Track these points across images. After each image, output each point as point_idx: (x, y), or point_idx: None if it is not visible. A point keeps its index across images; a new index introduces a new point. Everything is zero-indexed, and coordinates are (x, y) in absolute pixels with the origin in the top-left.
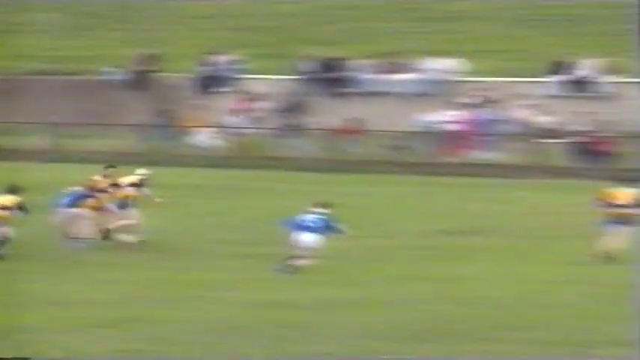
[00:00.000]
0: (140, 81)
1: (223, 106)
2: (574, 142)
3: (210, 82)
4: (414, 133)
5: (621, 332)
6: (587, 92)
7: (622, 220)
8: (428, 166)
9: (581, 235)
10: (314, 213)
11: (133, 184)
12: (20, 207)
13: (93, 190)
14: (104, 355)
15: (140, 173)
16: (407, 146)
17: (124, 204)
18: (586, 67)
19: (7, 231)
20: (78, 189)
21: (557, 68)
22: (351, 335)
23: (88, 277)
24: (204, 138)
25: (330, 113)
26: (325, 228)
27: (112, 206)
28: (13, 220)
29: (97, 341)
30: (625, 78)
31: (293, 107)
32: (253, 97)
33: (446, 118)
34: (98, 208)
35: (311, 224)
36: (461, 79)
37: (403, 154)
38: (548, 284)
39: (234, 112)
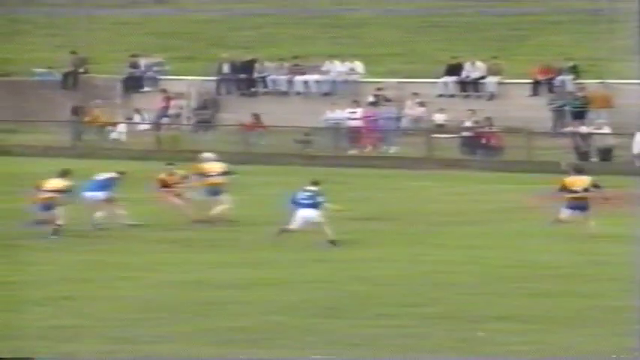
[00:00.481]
0: (69, 81)
1: (145, 104)
2: (464, 137)
3: (134, 83)
4: (319, 129)
5: (506, 308)
6: (475, 92)
7: (576, 205)
8: (332, 159)
9: (471, 221)
10: (308, 191)
11: (224, 173)
12: (68, 190)
13: (163, 185)
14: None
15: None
16: (312, 141)
17: (215, 191)
18: (474, 69)
19: (59, 212)
20: (105, 176)
21: (448, 70)
22: (264, 312)
23: (23, 260)
24: (126, 133)
25: (241, 111)
26: (318, 203)
27: (200, 194)
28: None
29: (32, 320)
30: (507, 79)
31: (208, 105)
32: (173, 96)
33: (348, 115)
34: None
35: (308, 200)
36: (361, 80)
37: (309, 148)
38: (443, 265)
39: (155, 109)
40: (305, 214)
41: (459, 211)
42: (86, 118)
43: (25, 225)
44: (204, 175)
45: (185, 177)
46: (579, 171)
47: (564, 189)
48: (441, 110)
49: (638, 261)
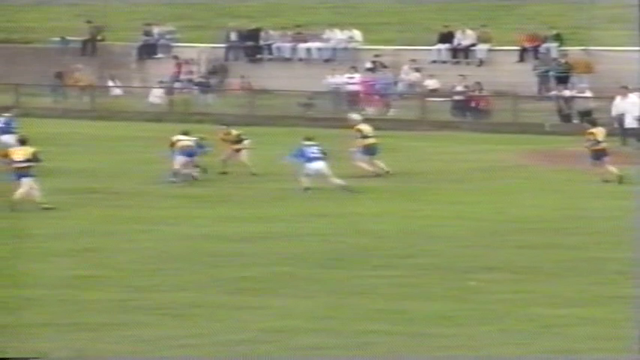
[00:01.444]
0: (88, 48)
1: (159, 70)
2: (455, 101)
3: (148, 50)
4: (320, 93)
5: (495, 260)
6: (465, 59)
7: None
8: (332, 121)
9: (462, 178)
10: (314, 145)
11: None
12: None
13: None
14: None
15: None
16: (314, 104)
17: (371, 150)
18: (465, 37)
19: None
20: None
21: (441, 38)
22: (270, 263)
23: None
24: (146, 97)
25: (248, 76)
26: (325, 155)
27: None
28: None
29: (56, 269)
30: (496, 46)
31: (217, 70)
32: (184, 62)
33: (347, 80)
34: None
35: (318, 154)
36: (360, 47)
37: (311, 111)
38: (435, 219)
39: (168, 75)
40: (316, 166)
41: (451, 170)
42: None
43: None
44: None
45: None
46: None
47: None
48: (434, 76)
49: (623, 215)
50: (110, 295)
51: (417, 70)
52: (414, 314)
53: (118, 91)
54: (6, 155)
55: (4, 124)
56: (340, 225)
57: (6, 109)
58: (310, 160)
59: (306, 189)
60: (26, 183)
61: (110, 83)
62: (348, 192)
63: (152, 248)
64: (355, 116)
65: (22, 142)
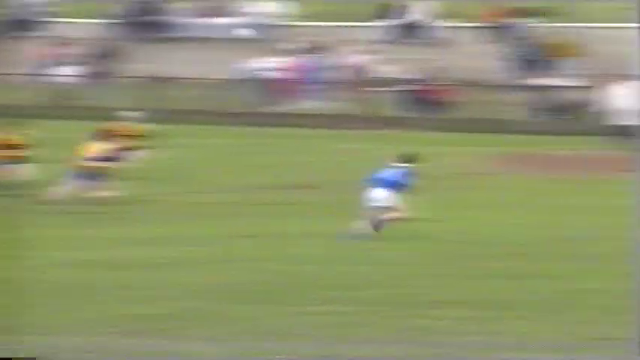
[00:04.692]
0: None
1: (30, 52)
2: (406, 91)
3: (16, 26)
4: (235, 81)
5: (456, 292)
6: (418, 38)
7: None
8: (250, 116)
9: (415, 190)
10: None
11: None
12: None
13: None
14: None
15: None
16: (227, 95)
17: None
18: (418, 12)
19: None
20: None
21: (386, 12)
22: (172, 296)
23: None
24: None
25: (146, 60)
26: None
27: None
28: None
29: None
30: (460, 23)
31: (106, 54)
32: (63, 43)
33: (270, 65)
34: None
35: None
36: (286, 23)
37: (223, 104)
38: (379, 240)
39: (42, 58)
40: None
41: None
42: None
43: None
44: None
45: None
46: None
47: None
48: (379, 60)
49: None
50: None
51: (359, 52)
52: None
53: None
54: None
55: None
56: (261, 248)
57: None
58: None
59: None
60: None
61: None
62: None
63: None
64: (129, 114)
65: None
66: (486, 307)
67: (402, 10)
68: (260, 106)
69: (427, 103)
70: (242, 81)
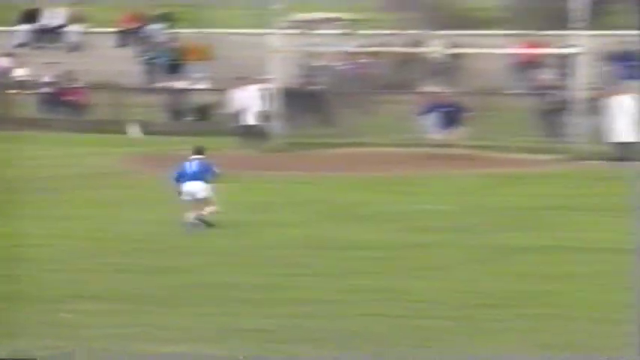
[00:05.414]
0: None
1: None
2: (43, 94)
3: None
4: None
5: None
6: (56, 42)
7: None
8: None
9: (51, 188)
10: None
11: None
12: None
13: None
14: None
15: None
16: None
17: None
18: (54, 17)
19: None
20: None
21: (25, 17)
22: None
23: None
24: None
25: None
26: None
27: None
28: None
29: None
30: (96, 28)
31: None
32: None
33: None
34: None
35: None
36: None
37: None
38: (18, 238)
39: None
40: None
41: (38, 178)
42: None
43: None
44: None
45: None
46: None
47: None
48: (17, 63)
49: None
50: None
51: (3, 56)
52: None
53: None
54: None
55: None
56: None
57: None
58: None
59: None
60: None
61: None
62: None
63: None
64: None
65: None
66: (120, 300)
67: (39, 15)
68: None
69: (63, 105)
70: None
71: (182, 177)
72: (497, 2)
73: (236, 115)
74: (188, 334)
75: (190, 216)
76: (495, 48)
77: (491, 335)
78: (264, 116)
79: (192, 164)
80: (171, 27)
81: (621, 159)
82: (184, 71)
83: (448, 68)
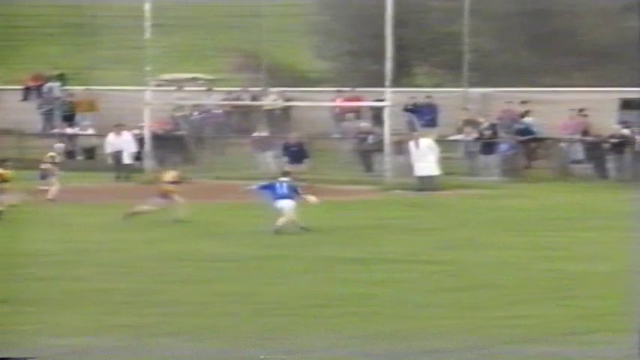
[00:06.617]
0: None
1: None
2: None
3: None
4: None
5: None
6: None
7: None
8: None
9: None
10: None
11: None
12: None
13: None
14: None
15: None
16: None
17: None
18: None
19: None
20: None
21: None
22: None
23: None
24: None
25: None
26: None
27: None
28: None
29: None
30: (1, 85)
31: None
32: None
33: None
34: None
35: None
36: None
37: None
38: None
39: None
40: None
41: None
42: None
43: None
44: None
45: None
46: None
47: None
48: None
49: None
50: None
51: None
52: None
53: None
54: None
55: None
56: None
57: None
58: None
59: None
60: None
61: None
62: None
63: None
64: None
65: None
66: (28, 303)
67: None
68: None
69: None
70: None
71: (274, 195)
72: (324, 65)
73: (115, 155)
74: (79, 330)
75: (281, 221)
76: (322, 101)
77: (322, 328)
78: (137, 156)
79: (283, 185)
80: (66, 85)
81: (423, 189)
82: (75, 120)
83: (283, 117)
